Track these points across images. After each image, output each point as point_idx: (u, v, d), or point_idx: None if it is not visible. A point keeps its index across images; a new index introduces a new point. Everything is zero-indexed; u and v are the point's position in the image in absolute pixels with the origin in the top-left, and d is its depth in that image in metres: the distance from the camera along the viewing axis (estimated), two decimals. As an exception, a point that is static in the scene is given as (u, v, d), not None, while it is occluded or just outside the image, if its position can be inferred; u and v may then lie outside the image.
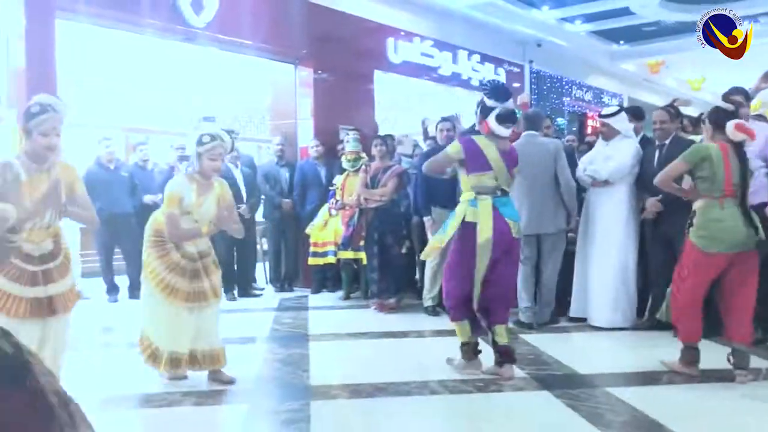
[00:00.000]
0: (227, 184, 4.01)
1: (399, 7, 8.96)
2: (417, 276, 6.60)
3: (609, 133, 5.35)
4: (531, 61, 11.57)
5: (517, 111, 7.37)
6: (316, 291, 7.15)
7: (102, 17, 6.11)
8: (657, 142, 5.17)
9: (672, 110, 5.28)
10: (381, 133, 7.30)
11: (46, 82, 5.21)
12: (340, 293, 6.89)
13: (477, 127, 3.96)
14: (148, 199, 6.67)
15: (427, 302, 5.87)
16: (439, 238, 3.96)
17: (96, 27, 6.29)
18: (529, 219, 5.17)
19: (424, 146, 7.00)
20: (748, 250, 3.73)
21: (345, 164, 6.81)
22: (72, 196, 3.18)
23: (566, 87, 12.72)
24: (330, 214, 6.87)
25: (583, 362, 4.25)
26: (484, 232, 3.76)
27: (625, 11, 10.31)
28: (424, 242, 6.22)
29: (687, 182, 4.12)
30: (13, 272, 2.98)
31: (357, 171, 6.54)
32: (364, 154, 6.75)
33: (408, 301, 6.31)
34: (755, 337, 4.11)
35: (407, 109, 10.32)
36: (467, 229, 3.82)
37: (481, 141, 3.89)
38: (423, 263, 6.27)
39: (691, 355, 3.87)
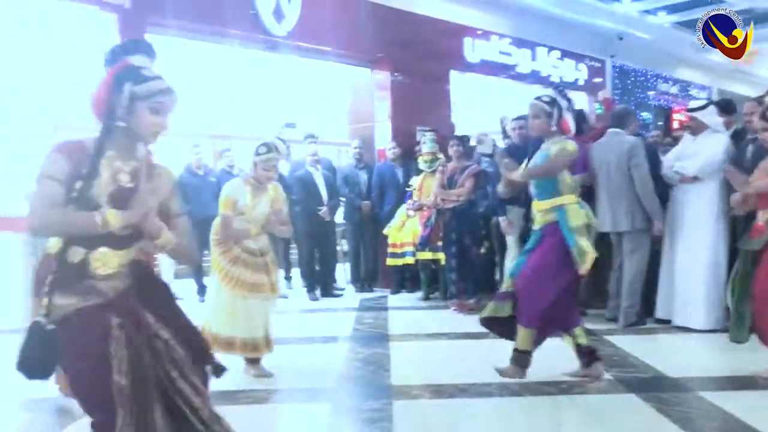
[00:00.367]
0: (281, 187, 4.20)
1: (475, 6, 8.94)
2: (497, 276, 6.54)
3: (697, 128, 5.16)
4: (613, 56, 11.30)
5: (599, 107, 7.20)
6: (396, 291, 7.23)
7: (189, 30, 6.44)
8: (749, 136, 4.94)
9: (766, 101, 5.02)
10: (458, 133, 7.30)
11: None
12: (420, 294, 6.93)
13: (554, 128, 3.75)
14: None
15: None
16: (588, 245, 3.62)
17: (183, 39, 6.61)
18: (603, 216, 5.08)
19: (503, 145, 6.95)
20: None
21: (422, 165, 6.85)
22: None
23: (651, 81, 12.34)
24: (408, 215, 6.93)
25: (672, 365, 4.10)
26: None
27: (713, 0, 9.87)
28: (503, 242, 6.20)
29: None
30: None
31: (434, 172, 6.56)
32: (440, 155, 6.77)
33: (487, 302, 6.25)
34: None
35: (485, 108, 10.26)
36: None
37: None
38: (502, 263, 6.22)
39: None
